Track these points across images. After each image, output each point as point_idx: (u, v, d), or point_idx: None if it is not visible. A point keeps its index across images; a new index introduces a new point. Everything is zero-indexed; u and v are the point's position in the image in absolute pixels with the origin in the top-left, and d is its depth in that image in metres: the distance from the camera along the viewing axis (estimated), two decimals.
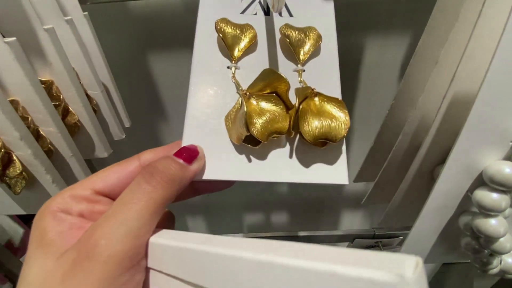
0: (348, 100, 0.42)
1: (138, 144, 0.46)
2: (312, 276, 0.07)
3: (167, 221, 0.18)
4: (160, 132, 0.46)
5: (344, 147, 0.18)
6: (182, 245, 0.12)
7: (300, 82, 0.19)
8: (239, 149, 0.17)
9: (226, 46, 0.19)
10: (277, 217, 0.62)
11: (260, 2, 0.21)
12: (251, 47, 0.20)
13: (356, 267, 0.07)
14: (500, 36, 0.13)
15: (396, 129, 0.24)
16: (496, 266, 0.21)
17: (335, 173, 0.17)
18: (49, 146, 0.22)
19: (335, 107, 0.17)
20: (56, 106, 0.22)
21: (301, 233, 0.50)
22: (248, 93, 0.17)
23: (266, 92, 0.18)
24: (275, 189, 0.57)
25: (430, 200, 0.19)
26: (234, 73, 0.19)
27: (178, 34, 0.36)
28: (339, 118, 0.17)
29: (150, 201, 0.13)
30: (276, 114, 0.17)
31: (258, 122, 0.16)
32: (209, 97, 0.18)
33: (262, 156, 0.17)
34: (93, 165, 0.37)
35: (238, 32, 0.20)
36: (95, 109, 0.27)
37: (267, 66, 0.20)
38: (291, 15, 0.21)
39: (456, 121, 0.18)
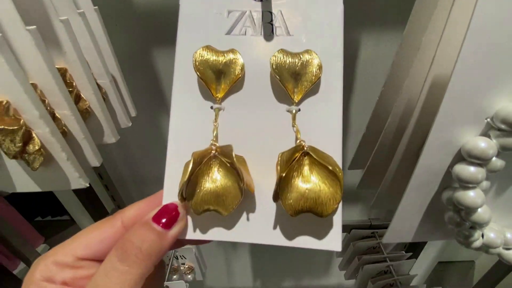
0: (345, 94, 0.44)
1: (143, 132, 0.48)
2: None
3: (157, 270, 0.16)
4: (163, 122, 0.48)
5: (339, 212, 0.16)
6: None
7: (293, 126, 0.16)
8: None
9: (207, 86, 0.16)
10: None
11: (250, 16, 0.17)
12: (238, 82, 0.17)
13: None
14: (470, 20, 0.15)
15: (386, 115, 0.25)
16: (477, 238, 0.22)
17: (327, 238, 0.16)
18: (63, 128, 0.23)
19: (326, 177, 0.15)
20: (69, 92, 0.24)
21: None
22: (216, 152, 0.15)
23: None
24: None
25: (414, 177, 0.21)
26: (216, 116, 0.16)
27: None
28: (328, 192, 0.14)
29: (126, 283, 0.12)
30: (226, 192, 0.15)
31: (199, 189, 0.15)
32: (190, 145, 0.16)
33: (248, 216, 0.16)
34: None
35: (222, 63, 0.16)
36: (104, 97, 0.29)
37: (255, 105, 0.17)
38: (288, 33, 0.17)
39: (436, 102, 0.20)
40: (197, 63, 0.16)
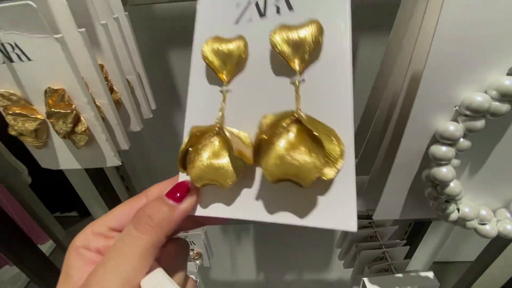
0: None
1: (157, 126, 0.53)
2: None
3: (180, 248, 0.18)
4: (177, 117, 0.52)
5: (352, 183, 0.15)
6: None
7: (296, 97, 0.16)
8: (235, 185, 0.16)
9: (215, 72, 0.18)
10: None
11: (256, 4, 0.18)
12: (244, 65, 0.18)
13: None
14: (435, 26, 0.19)
15: (376, 107, 0.29)
16: (453, 211, 0.26)
17: (341, 217, 0.15)
18: (101, 115, 0.28)
19: (315, 146, 0.14)
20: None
21: None
22: (218, 128, 0.16)
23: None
24: None
25: (397, 158, 0.25)
26: (224, 98, 0.18)
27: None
28: (310, 160, 0.13)
29: (138, 247, 0.13)
30: (226, 166, 0.16)
31: (200, 163, 0.15)
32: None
33: (259, 193, 0.16)
34: None
35: (228, 50, 0.17)
36: (132, 91, 0.34)
37: (261, 83, 0.17)
38: (290, 7, 0.17)
39: (415, 94, 0.23)
40: (205, 53, 0.18)
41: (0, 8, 0.20)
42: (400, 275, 0.46)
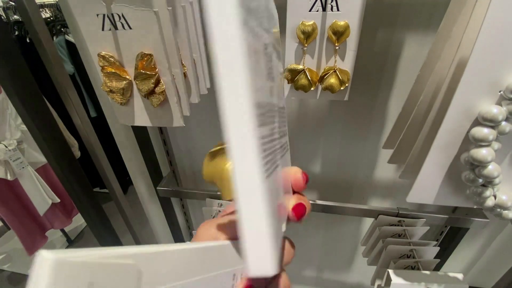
0: (387, 89, 0.50)
1: (204, 111, 0.58)
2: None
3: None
4: None
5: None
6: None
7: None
8: None
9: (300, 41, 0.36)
10: (309, 196, 0.69)
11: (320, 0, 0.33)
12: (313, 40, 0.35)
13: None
14: (486, 12, 0.21)
15: (419, 94, 0.31)
16: (489, 196, 0.27)
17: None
18: (174, 81, 0.33)
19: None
20: None
21: (331, 203, 0.57)
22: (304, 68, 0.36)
23: None
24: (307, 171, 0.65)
25: (437, 138, 0.27)
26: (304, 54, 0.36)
27: None
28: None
29: None
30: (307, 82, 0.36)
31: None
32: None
33: None
34: None
35: (309, 30, 0.34)
36: (195, 67, 0.39)
37: (322, 49, 0.35)
38: (338, 9, 0.33)
39: (460, 78, 0.25)
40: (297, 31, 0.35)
41: None
42: (427, 272, 0.46)
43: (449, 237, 0.60)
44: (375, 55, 0.46)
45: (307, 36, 0.35)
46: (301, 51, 0.36)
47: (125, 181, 1.65)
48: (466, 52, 0.24)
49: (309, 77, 0.36)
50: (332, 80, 0.36)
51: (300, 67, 0.36)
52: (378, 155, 0.59)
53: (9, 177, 1.08)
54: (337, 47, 0.35)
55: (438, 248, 0.50)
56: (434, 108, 0.28)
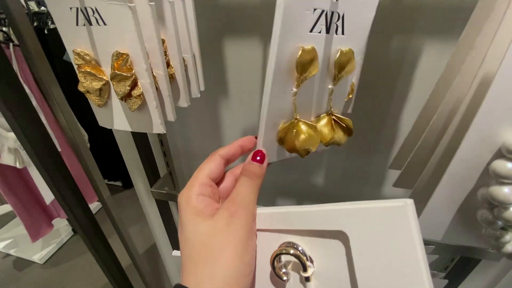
0: (400, 102, 0.45)
1: (201, 110, 0.55)
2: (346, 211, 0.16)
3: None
4: (221, 104, 0.54)
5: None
6: (273, 210, 0.21)
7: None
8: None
9: (297, 72, 0.22)
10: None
11: (326, 15, 0.22)
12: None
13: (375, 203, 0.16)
14: None
15: (433, 112, 0.27)
16: (509, 241, 0.22)
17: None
18: (156, 84, 0.30)
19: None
20: None
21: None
22: (296, 119, 0.25)
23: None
24: (313, 181, 0.61)
25: (449, 170, 0.22)
26: (294, 97, 0.24)
27: (253, 23, 0.43)
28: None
29: (254, 186, 0.22)
30: (311, 135, 0.26)
31: (298, 140, 0.24)
32: (277, 116, 0.24)
33: None
34: None
35: (308, 60, 0.22)
36: (185, 69, 0.36)
37: (317, 89, 0.26)
38: (343, 33, 0.24)
39: (483, 98, 0.21)
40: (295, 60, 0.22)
41: None
42: None
43: (458, 268, 0.55)
44: (386, 63, 0.42)
45: (303, 69, 0.23)
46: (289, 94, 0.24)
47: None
48: (492, 68, 0.20)
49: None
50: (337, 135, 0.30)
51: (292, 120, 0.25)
52: (386, 174, 0.54)
53: (18, 165, 1.10)
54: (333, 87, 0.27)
55: (446, 281, 0.45)
56: (449, 131, 0.24)
